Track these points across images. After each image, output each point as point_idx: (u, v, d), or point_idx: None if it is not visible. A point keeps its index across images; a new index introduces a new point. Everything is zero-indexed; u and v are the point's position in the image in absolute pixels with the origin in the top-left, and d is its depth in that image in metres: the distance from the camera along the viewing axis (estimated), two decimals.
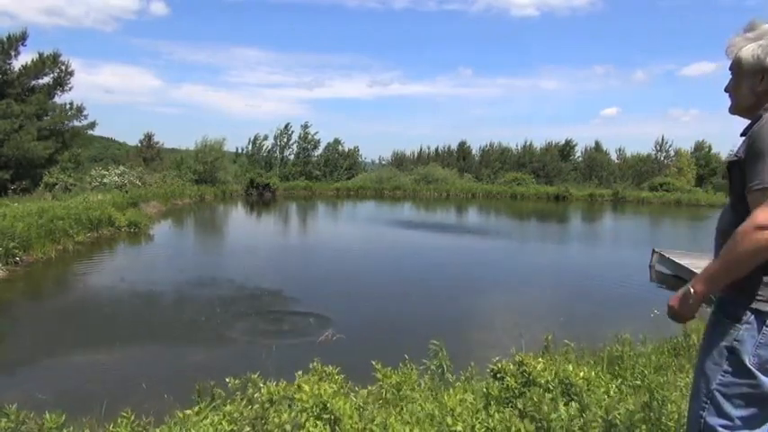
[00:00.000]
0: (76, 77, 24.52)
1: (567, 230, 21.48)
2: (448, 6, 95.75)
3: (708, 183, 39.61)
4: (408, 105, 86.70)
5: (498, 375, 3.41)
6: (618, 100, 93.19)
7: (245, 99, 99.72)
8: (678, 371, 3.81)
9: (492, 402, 3.05)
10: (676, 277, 10.54)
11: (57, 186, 19.99)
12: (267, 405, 2.58)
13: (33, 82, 23.52)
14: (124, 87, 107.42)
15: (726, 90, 1.79)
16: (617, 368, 3.95)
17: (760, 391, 1.57)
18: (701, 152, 42.55)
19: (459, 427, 2.54)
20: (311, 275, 10.78)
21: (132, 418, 2.82)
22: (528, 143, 44.61)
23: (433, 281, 10.34)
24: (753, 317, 1.57)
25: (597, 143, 44.56)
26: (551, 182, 38.83)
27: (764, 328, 1.55)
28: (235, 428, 2.40)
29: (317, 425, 2.42)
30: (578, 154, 44.94)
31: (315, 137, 41.05)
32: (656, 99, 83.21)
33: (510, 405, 2.96)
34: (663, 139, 43.38)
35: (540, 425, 2.65)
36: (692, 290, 1.61)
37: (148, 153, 35.77)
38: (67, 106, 24.36)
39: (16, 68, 22.65)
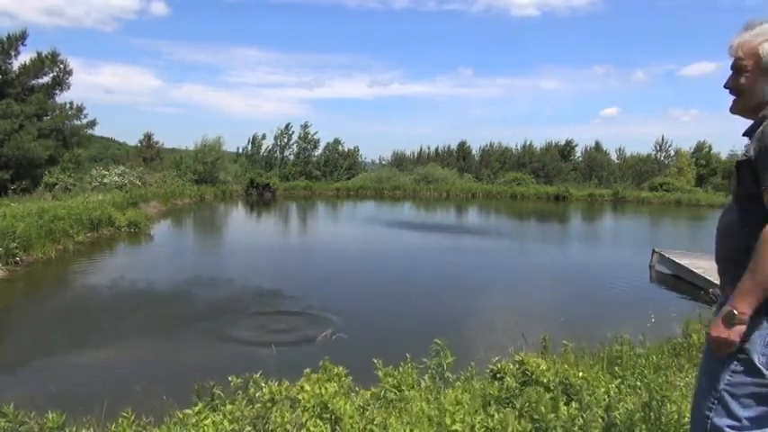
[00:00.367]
0: (76, 77, 24.60)
1: (567, 231, 21.48)
2: (448, 6, 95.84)
3: (708, 183, 39.61)
4: (408, 105, 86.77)
5: (498, 375, 3.42)
6: (618, 100, 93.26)
7: (245, 99, 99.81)
8: (678, 371, 3.82)
9: (491, 402, 3.06)
10: (676, 277, 10.54)
11: (57, 186, 19.99)
12: (269, 405, 2.58)
13: (33, 82, 23.51)
14: (124, 87, 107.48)
15: (729, 87, 1.74)
16: (617, 368, 3.95)
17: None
18: (702, 152, 42.54)
19: (458, 427, 2.54)
20: (311, 275, 10.78)
21: (132, 418, 2.83)
22: (528, 143, 44.67)
23: (433, 281, 10.34)
24: (761, 316, 1.56)
25: (597, 143, 44.62)
26: (551, 182, 38.83)
27: None
28: (236, 428, 2.40)
29: (317, 424, 2.42)
30: (578, 154, 44.99)
31: (315, 137, 41.07)
32: (656, 99, 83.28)
33: (509, 405, 2.96)
34: (663, 139, 43.43)
35: (538, 425, 2.65)
36: (735, 312, 1.54)
37: (148, 153, 35.77)
38: (67, 106, 24.37)
39: (16, 68, 22.67)
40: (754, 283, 1.51)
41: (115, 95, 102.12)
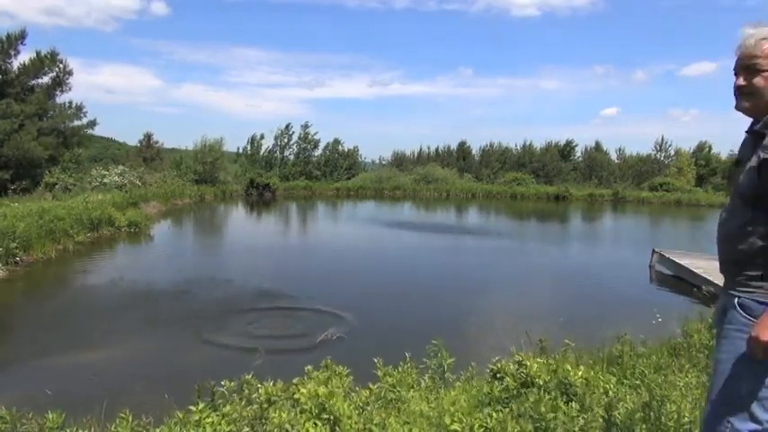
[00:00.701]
0: (77, 78, 24.62)
1: (567, 230, 21.48)
2: (448, 6, 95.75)
3: (708, 183, 39.60)
4: (408, 105, 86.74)
5: (498, 375, 3.42)
6: (618, 100, 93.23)
7: (245, 99, 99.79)
8: (678, 371, 3.82)
9: (491, 402, 3.06)
10: (676, 277, 10.54)
11: (57, 186, 19.98)
12: (266, 405, 2.58)
13: (33, 81, 23.53)
14: (124, 87, 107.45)
15: (741, 86, 1.72)
16: (617, 368, 3.95)
17: None
18: (702, 152, 42.54)
19: (457, 427, 2.54)
20: (311, 275, 10.78)
21: (131, 418, 2.83)
22: (528, 143, 44.65)
23: (433, 281, 10.34)
24: None
25: (597, 143, 44.60)
26: (551, 182, 38.82)
27: None
28: (234, 429, 2.40)
29: (316, 425, 2.42)
30: (578, 154, 44.98)
31: (315, 137, 41.06)
32: (656, 99, 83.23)
33: (509, 405, 2.96)
34: (663, 140, 43.42)
35: (538, 425, 2.65)
36: None
37: (148, 153, 35.75)
38: (67, 105, 24.39)
39: (16, 68, 22.68)
40: None
41: (115, 95, 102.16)
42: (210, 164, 29.94)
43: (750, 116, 1.75)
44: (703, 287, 8.31)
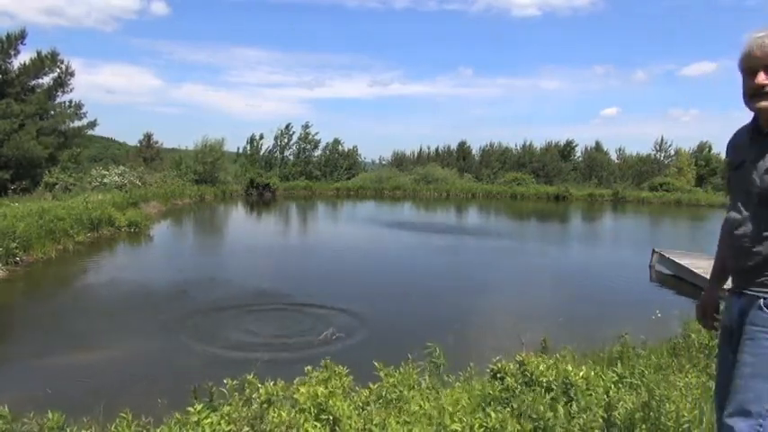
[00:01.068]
0: (77, 78, 24.51)
1: (567, 231, 21.48)
2: (448, 6, 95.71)
3: (708, 183, 39.60)
4: (408, 105, 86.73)
5: (498, 375, 3.42)
6: (618, 100, 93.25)
7: (245, 99, 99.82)
8: (678, 371, 3.81)
9: (491, 402, 3.06)
10: (676, 277, 10.54)
11: (57, 186, 19.98)
12: (265, 405, 2.58)
13: (33, 82, 23.53)
14: (124, 87, 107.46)
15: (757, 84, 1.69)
16: (617, 368, 3.95)
17: None
18: (702, 153, 42.54)
19: (457, 427, 2.54)
20: (311, 276, 10.78)
21: (131, 418, 2.83)
22: (528, 143, 44.66)
23: (433, 281, 10.35)
24: None
25: (597, 143, 44.61)
26: (551, 182, 38.82)
27: None
28: (233, 429, 2.40)
29: (315, 426, 2.42)
30: (578, 154, 44.99)
31: (315, 137, 41.06)
32: (657, 99, 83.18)
33: (509, 405, 2.96)
34: (662, 140, 43.44)
35: (538, 425, 2.65)
36: None
37: (148, 153, 35.76)
38: (67, 105, 24.37)
39: (16, 68, 22.68)
40: None
41: (115, 95, 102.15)
42: (211, 164, 29.95)
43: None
44: (703, 287, 8.31)
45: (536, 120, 77.38)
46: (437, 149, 45.83)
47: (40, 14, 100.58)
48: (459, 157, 44.59)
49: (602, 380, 3.30)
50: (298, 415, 2.47)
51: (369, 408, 2.71)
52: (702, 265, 9.71)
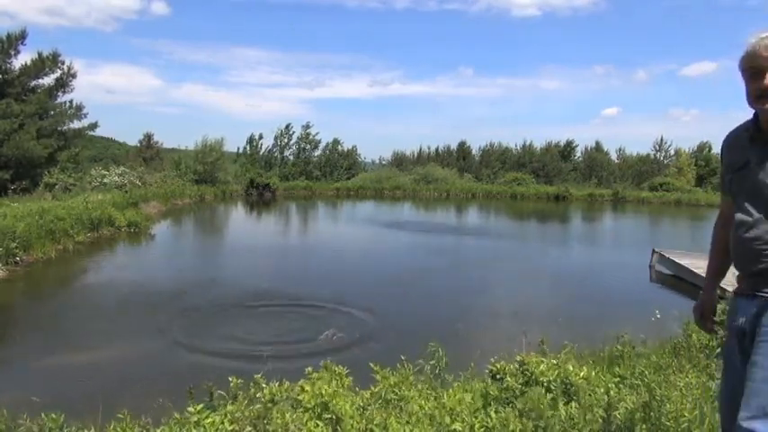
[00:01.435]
0: (78, 78, 24.45)
1: (567, 231, 21.48)
2: (448, 6, 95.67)
3: (708, 183, 39.60)
4: (408, 105, 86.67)
5: (498, 375, 3.42)
6: (618, 100, 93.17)
7: (245, 99, 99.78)
8: (678, 371, 3.81)
9: (491, 402, 3.06)
10: (676, 277, 10.54)
11: (57, 186, 19.98)
12: (269, 405, 2.58)
13: (34, 82, 23.52)
14: (125, 87, 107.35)
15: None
16: (617, 368, 3.95)
17: None
18: (702, 153, 42.55)
19: (457, 427, 2.54)
20: (310, 276, 10.78)
21: (129, 419, 2.83)
22: (528, 143, 44.66)
23: (433, 281, 10.35)
24: None
25: (598, 143, 44.62)
26: (551, 182, 38.81)
27: None
28: (236, 428, 2.40)
29: (318, 425, 2.42)
30: (578, 154, 45.00)
31: (316, 137, 41.06)
32: (657, 99, 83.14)
33: (510, 405, 2.96)
34: (662, 140, 43.45)
35: (538, 424, 2.65)
36: None
37: (148, 153, 35.76)
38: (66, 105, 24.37)
39: (16, 68, 22.67)
40: None
41: (116, 95, 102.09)
42: (210, 164, 29.95)
43: None
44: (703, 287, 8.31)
45: (536, 120, 77.44)
46: (437, 149, 45.85)
47: (41, 14, 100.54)
48: (459, 157, 44.59)
49: (603, 380, 3.30)
50: (301, 414, 2.47)
51: (370, 408, 2.72)
52: (702, 265, 9.68)
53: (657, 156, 43.27)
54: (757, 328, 1.69)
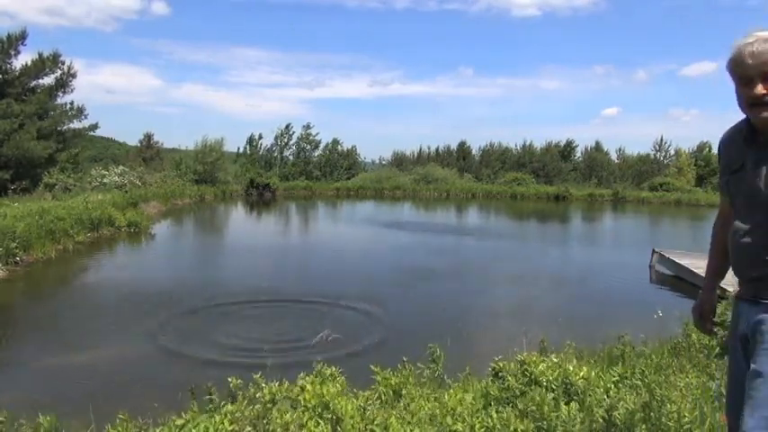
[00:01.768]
0: (78, 78, 24.47)
1: (567, 231, 21.48)
2: (448, 6, 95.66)
3: (708, 183, 39.61)
4: (409, 105, 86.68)
5: (499, 375, 3.42)
6: (619, 100, 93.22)
7: (245, 99, 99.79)
8: (678, 371, 3.81)
9: (492, 402, 3.05)
10: (676, 277, 10.54)
11: (57, 186, 19.99)
12: (269, 405, 2.58)
13: (34, 82, 23.53)
14: (125, 87, 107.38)
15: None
16: (617, 368, 3.95)
17: None
18: (702, 153, 42.57)
19: (458, 427, 2.54)
20: (311, 276, 10.78)
21: (128, 419, 2.83)
22: (528, 143, 44.67)
23: (433, 281, 10.35)
24: None
25: (597, 143, 44.62)
26: (551, 182, 38.81)
27: None
28: (236, 428, 2.40)
29: (318, 424, 2.42)
30: (578, 154, 45.01)
31: (316, 138, 41.06)
32: (657, 99, 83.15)
33: (510, 405, 2.96)
34: (662, 140, 43.47)
35: (540, 424, 2.65)
36: None
37: (148, 153, 35.76)
38: (68, 106, 24.39)
39: (17, 68, 22.68)
40: None
41: (116, 95, 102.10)
42: (210, 164, 29.95)
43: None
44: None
45: (536, 120, 77.45)
46: (437, 149, 45.86)
47: (41, 14, 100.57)
48: (459, 157, 44.59)
49: (603, 380, 3.30)
50: (301, 414, 2.47)
51: (369, 408, 2.71)
52: (702, 265, 9.67)
53: (657, 156, 43.29)
54: (758, 336, 1.66)
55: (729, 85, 1.73)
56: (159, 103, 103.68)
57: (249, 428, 2.43)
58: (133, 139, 52.67)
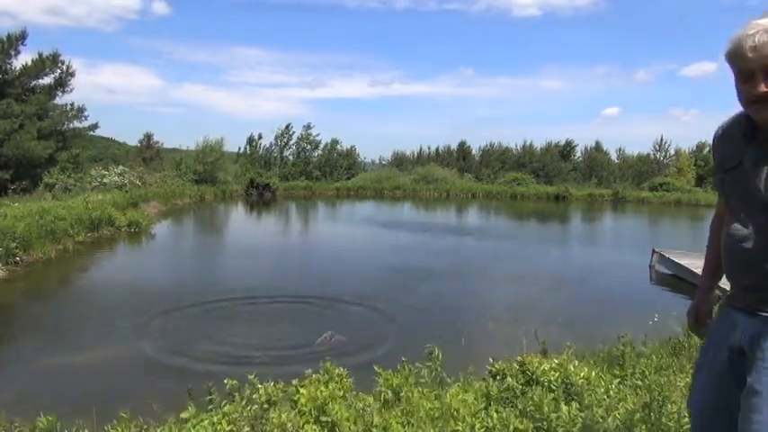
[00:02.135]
0: (78, 77, 24.47)
1: (567, 231, 21.48)
2: (449, 6, 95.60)
3: (708, 183, 39.60)
4: (409, 105, 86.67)
5: (498, 376, 3.42)
6: (619, 100, 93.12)
7: (245, 99, 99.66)
8: (679, 371, 3.81)
9: (492, 402, 3.05)
10: (676, 277, 10.53)
11: (57, 186, 19.99)
12: (266, 406, 2.58)
13: (34, 82, 23.52)
14: (125, 87, 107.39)
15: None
16: (617, 368, 3.94)
17: None
18: (702, 152, 42.57)
19: (458, 427, 2.54)
20: (310, 275, 10.77)
21: (129, 419, 2.82)
22: (528, 143, 44.68)
23: (433, 281, 10.35)
24: None
25: (598, 143, 44.63)
26: (551, 182, 38.82)
27: None
28: (234, 429, 2.40)
29: (314, 428, 2.42)
30: (578, 154, 45.03)
31: (316, 138, 41.05)
32: (658, 99, 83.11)
33: (510, 405, 2.96)
34: (662, 140, 43.48)
35: (540, 425, 2.65)
36: None
37: (148, 153, 35.76)
38: (68, 107, 24.39)
39: (17, 68, 22.68)
40: None
41: (116, 95, 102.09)
42: (210, 164, 29.96)
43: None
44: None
45: (536, 120, 77.40)
46: (437, 149, 45.87)
47: (42, 14, 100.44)
48: (460, 157, 44.61)
49: (603, 380, 3.29)
50: (298, 417, 2.47)
51: (369, 409, 2.71)
52: (702, 265, 9.69)
53: (657, 156, 43.30)
54: (758, 352, 1.55)
55: (730, 86, 1.62)
56: (159, 103, 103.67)
57: (247, 429, 2.43)
58: (133, 139, 52.66)
